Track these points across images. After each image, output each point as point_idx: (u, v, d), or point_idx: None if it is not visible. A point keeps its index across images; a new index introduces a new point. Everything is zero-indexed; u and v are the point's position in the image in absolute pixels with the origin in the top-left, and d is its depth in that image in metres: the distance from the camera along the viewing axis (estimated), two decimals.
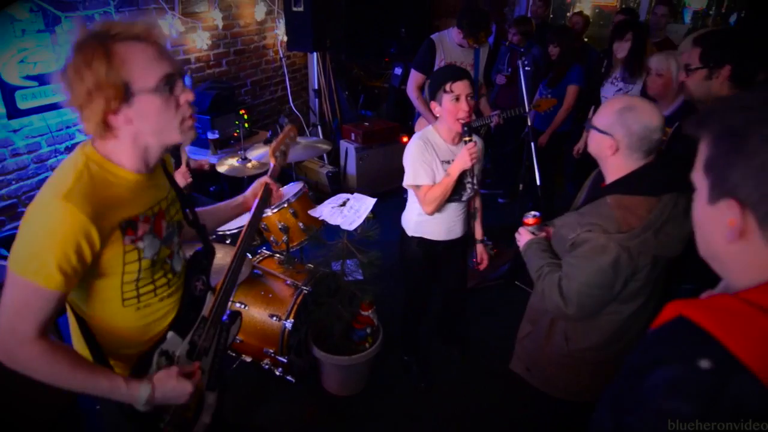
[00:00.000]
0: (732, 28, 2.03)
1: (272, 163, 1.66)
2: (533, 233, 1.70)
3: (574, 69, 3.63)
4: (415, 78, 3.36)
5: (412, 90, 3.39)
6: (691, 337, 0.64)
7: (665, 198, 1.38)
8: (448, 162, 2.07)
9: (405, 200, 4.99)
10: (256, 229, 1.54)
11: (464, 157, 1.96)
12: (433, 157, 2.06)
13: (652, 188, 1.38)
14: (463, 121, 1.97)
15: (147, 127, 1.10)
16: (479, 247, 2.43)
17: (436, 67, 3.24)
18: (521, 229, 1.74)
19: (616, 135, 1.37)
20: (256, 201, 1.55)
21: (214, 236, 2.64)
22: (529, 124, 3.09)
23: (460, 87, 1.96)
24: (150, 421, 1.22)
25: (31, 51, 2.73)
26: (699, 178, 0.70)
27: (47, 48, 2.81)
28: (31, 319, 1.05)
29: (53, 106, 2.89)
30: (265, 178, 1.59)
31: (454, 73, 1.99)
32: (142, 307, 1.22)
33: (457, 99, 1.96)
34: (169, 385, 1.17)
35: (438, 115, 2.05)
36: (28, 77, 2.75)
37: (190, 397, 1.20)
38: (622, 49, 3.17)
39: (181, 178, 2.45)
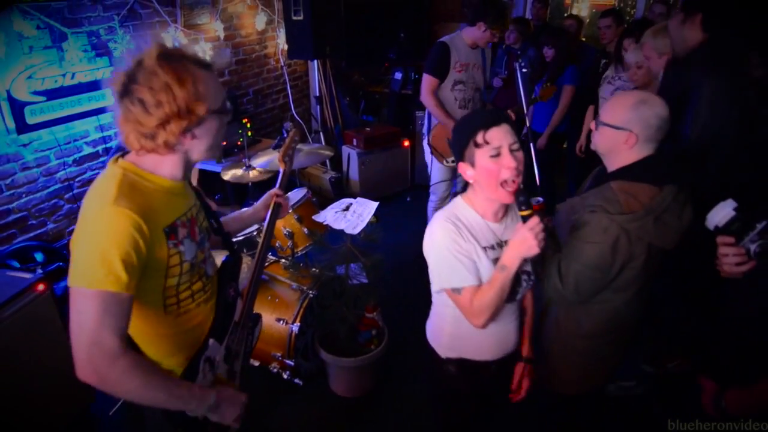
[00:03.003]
0: None
1: (282, 168, 1.73)
2: None
3: (568, 69, 3.68)
4: (429, 83, 3.18)
5: (427, 96, 3.20)
6: None
7: (666, 188, 1.44)
8: (493, 247, 1.42)
9: (408, 203, 4.97)
10: (271, 239, 1.62)
11: (526, 240, 1.29)
12: (472, 244, 1.39)
13: (655, 177, 1.44)
14: (509, 187, 1.33)
15: (204, 144, 1.18)
16: (519, 368, 1.65)
17: (451, 70, 3.18)
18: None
19: (635, 129, 1.42)
20: (268, 213, 1.62)
21: None
22: (527, 125, 3.13)
23: (499, 135, 1.30)
24: (198, 428, 1.28)
25: (38, 67, 2.80)
26: None
27: (55, 64, 2.88)
28: (114, 330, 1.06)
29: (61, 120, 2.97)
30: (276, 190, 1.67)
31: (485, 118, 1.34)
32: (182, 313, 1.27)
33: (498, 154, 1.31)
34: (229, 392, 1.27)
35: (470, 181, 1.41)
36: (36, 92, 2.82)
37: (243, 408, 1.29)
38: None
39: None
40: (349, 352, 2.48)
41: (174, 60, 1.08)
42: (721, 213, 1.29)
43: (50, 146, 2.97)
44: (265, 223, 1.61)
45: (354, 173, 4.59)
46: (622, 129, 1.44)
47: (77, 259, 1.06)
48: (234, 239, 2.79)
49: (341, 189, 4.49)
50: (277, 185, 1.69)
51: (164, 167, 1.18)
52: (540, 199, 1.74)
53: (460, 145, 1.38)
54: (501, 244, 1.44)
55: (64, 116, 2.98)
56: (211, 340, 1.32)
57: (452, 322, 1.51)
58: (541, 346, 1.70)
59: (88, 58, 3.07)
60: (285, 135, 2.26)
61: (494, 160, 1.31)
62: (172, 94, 1.05)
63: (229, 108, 1.19)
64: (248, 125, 3.93)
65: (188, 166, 1.22)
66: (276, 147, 3.28)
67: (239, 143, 3.78)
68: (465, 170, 1.39)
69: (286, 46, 4.63)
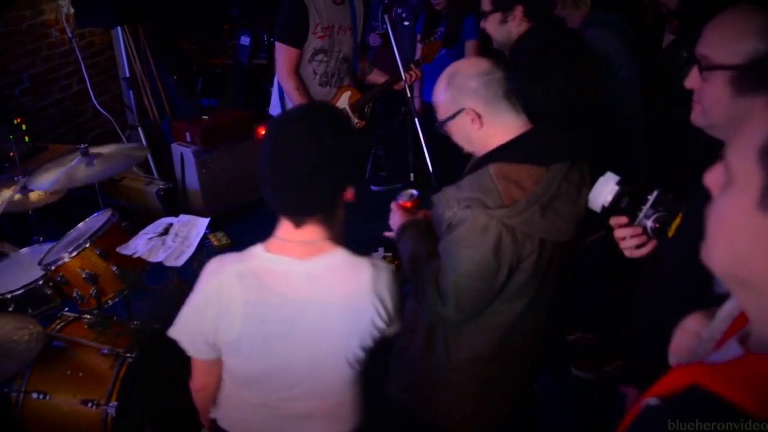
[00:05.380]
0: None
1: None
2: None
3: (468, 20, 3.83)
4: (287, 56, 3.16)
5: (287, 76, 3.20)
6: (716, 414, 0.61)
7: (554, 168, 1.54)
8: None
9: (270, 214, 5.00)
10: None
11: None
12: None
13: (539, 155, 1.55)
14: None
15: None
16: None
17: (310, 36, 3.16)
18: (393, 206, 1.85)
19: (467, 104, 1.55)
20: None
21: None
22: (409, 95, 3.26)
23: None
24: None
25: None
26: (740, 168, 0.64)
27: None
28: None
29: None
30: None
31: None
32: None
33: None
34: None
35: None
36: None
37: None
38: None
39: None
40: (198, 430, 2.43)
41: None
42: (605, 190, 1.39)
43: None
44: None
45: (192, 180, 4.50)
46: (457, 114, 1.58)
47: None
48: (11, 296, 2.63)
49: (176, 204, 4.37)
50: None
51: None
52: (415, 193, 1.88)
53: None
54: None
55: None
56: None
57: None
58: (432, 378, 1.76)
59: None
60: None
61: None
62: None
63: None
64: (24, 127, 3.76)
65: None
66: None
67: (11, 155, 3.55)
68: None
69: (72, 10, 4.46)
